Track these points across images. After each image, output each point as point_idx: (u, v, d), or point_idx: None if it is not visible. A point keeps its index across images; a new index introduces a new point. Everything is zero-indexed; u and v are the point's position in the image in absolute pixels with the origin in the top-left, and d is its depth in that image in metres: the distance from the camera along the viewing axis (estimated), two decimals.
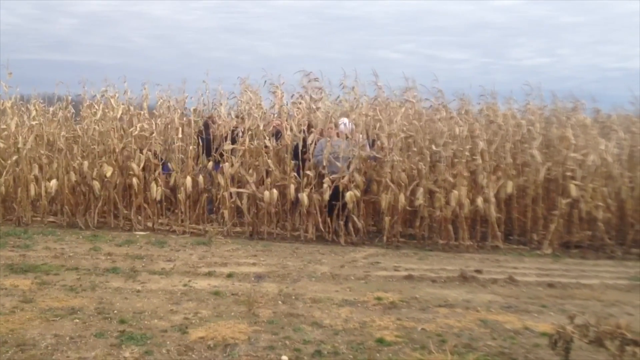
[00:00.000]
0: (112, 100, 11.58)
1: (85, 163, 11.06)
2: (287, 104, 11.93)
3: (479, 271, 8.09)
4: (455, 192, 9.89)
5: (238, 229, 10.86)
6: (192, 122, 11.79)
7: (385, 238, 10.18)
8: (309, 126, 10.85)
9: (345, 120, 10.66)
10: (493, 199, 10.12)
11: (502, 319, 6.01)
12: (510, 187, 10.31)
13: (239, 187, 10.78)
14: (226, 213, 10.64)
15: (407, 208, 10.22)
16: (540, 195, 10.65)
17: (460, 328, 5.66)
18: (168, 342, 5.07)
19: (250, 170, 10.69)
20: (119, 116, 11.41)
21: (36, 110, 12.04)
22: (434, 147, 10.37)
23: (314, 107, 11.12)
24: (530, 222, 10.68)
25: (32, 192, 11.10)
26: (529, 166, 10.75)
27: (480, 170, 10.24)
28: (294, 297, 6.61)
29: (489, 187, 10.13)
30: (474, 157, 10.29)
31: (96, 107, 11.67)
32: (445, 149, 10.21)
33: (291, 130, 10.65)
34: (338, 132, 10.43)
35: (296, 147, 10.51)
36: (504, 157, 10.55)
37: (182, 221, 10.93)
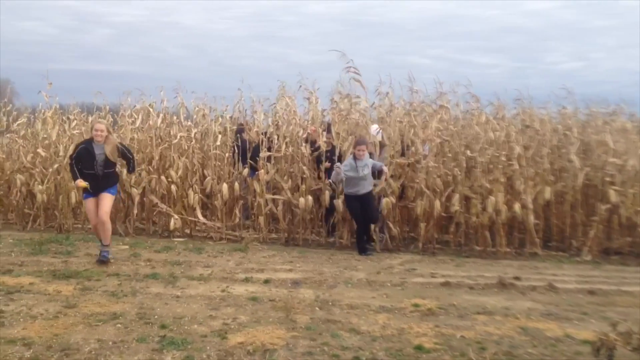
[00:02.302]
0: (151, 109, 11.78)
1: (124, 171, 11.25)
2: (320, 110, 11.95)
3: (517, 278, 8.00)
4: (492, 198, 9.81)
5: (273, 235, 10.94)
6: (228, 129, 11.92)
7: (420, 244, 10.14)
8: (329, 128, 10.85)
9: (375, 126, 10.58)
10: (531, 205, 10.01)
11: (542, 327, 5.94)
12: (548, 192, 10.19)
13: (274, 193, 10.86)
14: (262, 220, 10.72)
15: (443, 214, 10.16)
16: (579, 201, 10.51)
17: (499, 335, 5.61)
18: (208, 347, 5.13)
19: (286, 177, 10.76)
20: (158, 125, 11.61)
21: (76, 119, 12.32)
22: (469, 153, 10.31)
23: (352, 108, 11.05)
24: (569, 229, 10.54)
25: (73, 200, 11.35)
26: (567, 171, 10.62)
27: (517, 176, 10.14)
28: (330, 304, 6.63)
29: (526, 193, 10.03)
30: (510, 162, 10.19)
31: (134, 115, 11.90)
32: (482, 155, 10.13)
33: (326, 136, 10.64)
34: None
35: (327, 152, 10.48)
36: (542, 163, 10.43)
37: (218, 228, 11.04)
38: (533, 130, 10.92)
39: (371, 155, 9.82)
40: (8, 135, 12.92)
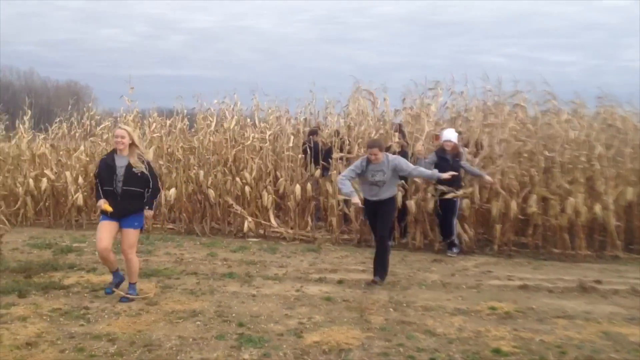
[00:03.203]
0: (227, 112, 12.07)
1: (201, 172, 11.59)
2: (392, 111, 11.91)
3: (598, 281, 7.73)
4: (572, 199, 9.52)
5: (346, 236, 10.98)
6: (301, 131, 12.06)
7: (496, 247, 9.94)
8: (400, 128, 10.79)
9: (451, 131, 10.03)
10: (612, 207, 9.66)
11: (625, 331, 5.72)
12: (630, 193, 9.81)
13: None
14: (334, 220, 10.79)
15: (519, 216, 9.93)
16: None
17: (580, 340, 5.43)
18: (284, 346, 5.20)
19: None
20: (232, 127, 11.87)
21: (156, 123, 12.77)
22: (546, 153, 10.03)
23: (424, 109, 11.00)
24: None
25: None
26: None
27: (598, 176, 9.80)
28: (404, 305, 6.60)
29: (607, 194, 9.68)
30: (590, 162, 9.85)
31: (210, 119, 12.21)
32: (561, 154, 9.83)
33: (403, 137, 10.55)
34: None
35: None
36: (623, 163, 10.03)
37: (291, 228, 11.18)
38: (615, 129, 10.52)
39: (457, 157, 9.64)
40: (91, 139, 13.49)
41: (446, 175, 8.14)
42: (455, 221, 9.90)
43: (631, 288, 7.39)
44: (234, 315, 6.11)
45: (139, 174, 6.53)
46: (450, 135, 9.75)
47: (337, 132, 11.54)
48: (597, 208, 9.59)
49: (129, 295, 6.64)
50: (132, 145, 6.60)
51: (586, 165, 9.82)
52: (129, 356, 4.89)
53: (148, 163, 6.74)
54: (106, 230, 6.56)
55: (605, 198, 9.67)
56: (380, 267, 7.62)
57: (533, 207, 9.71)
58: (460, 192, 9.66)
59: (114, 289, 6.73)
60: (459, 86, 11.07)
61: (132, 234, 6.65)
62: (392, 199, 7.85)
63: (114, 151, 6.67)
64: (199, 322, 5.86)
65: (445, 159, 9.56)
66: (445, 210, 9.75)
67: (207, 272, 8.10)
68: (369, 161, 7.65)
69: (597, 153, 9.85)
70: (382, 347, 5.20)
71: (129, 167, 6.50)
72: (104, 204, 6.46)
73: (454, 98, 11.11)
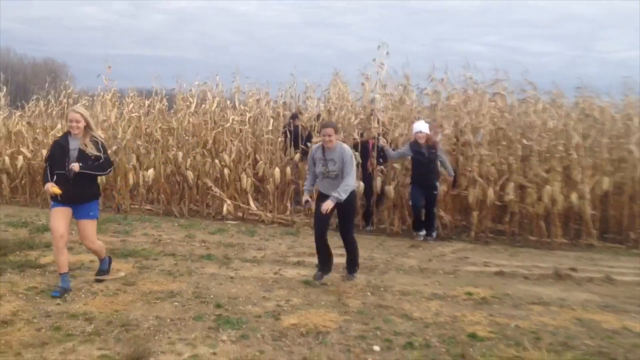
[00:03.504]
0: (209, 94, 11.98)
1: (180, 154, 11.50)
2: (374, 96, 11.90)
3: (573, 269, 7.84)
4: (549, 187, 9.63)
5: None
6: (281, 115, 12.01)
7: (473, 233, 10.04)
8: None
9: (421, 123, 9.66)
10: (588, 196, 9.79)
11: (599, 318, 5.81)
12: (606, 183, 9.95)
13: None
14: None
15: (496, 203, 10.03)
16: (637, 192, 10.22)
17: (555, 326, 5.52)
18: (262, 328, 5.21)
19: None
20: (213, 109, 11.79)
21: (134, 103, 12.62)
22: (524, 141, 10.12)
23: (406, 95, 11.02)
24: (627, 220, 10.29)
25: (131, 181, 11.65)
26: (626, 162, 10.32)
27: (575, 166, 9.91)
28: (382, 289, 6.64)
29: (584, 183, 9.80)
30: (568, 151, 9.96)
31: (190, 100, 12.11)
32: (539, 143, 9.93)
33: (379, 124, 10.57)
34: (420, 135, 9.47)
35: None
36: (600, 152, 10.16)
37: (270, 211, 11.16)
38: (592, 119, 10.64)
39: (433, 149, 9.42)
40: None
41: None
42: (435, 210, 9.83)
43: (605, 276, 7.50)
44: (211, 296, 6.10)
45: (93, 158, 6.13)
46: (421, 126, 9.49)
47: (318, 116, 11.51)
48: (574, 197, 9.71)
49: (101, 274, 6.61)
50: (87, 128, 6.16)
51: (563, 154, 9.92)
52: (106, 336, 4.86)
53: (103, 146, 6.34)
54: (60, 218, 6.09)
55: (581, 187, 9.79)
56: (351, 264, 7.09)
57: (510, 194, 9.81)
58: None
59: (59, 295, 5.97)
60: (439, 73, 11.09)
61: (89, 226, 6.27)
62: (351, 196, 6.70)
63: (68, 133, 6.22)
64: (176, 303, 5.84)
65: (421, 152, 9.41)
66: (428, 202, 9.61)
67: (185, 254, 8.07)
68: (323, 148, 6.70)
69: (575, 142, 9.96)
70: (359, 330, 5.23)
71: (82, 149, 6.10)
72: (52, 187, 5.97)
73: (435, 85, 11.12)
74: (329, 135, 6.50)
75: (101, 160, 6.20)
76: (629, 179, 10.22)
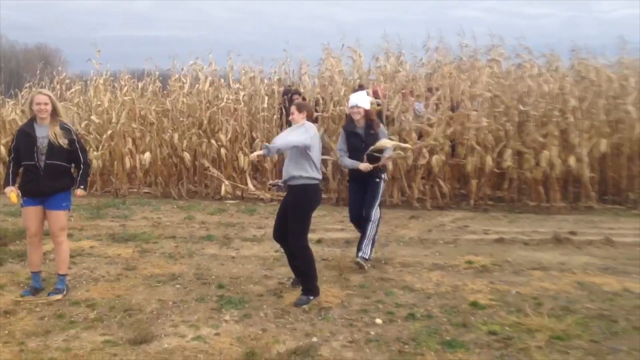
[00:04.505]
0: (200, 73, 11.89)
1: (176, 135, 11.46)
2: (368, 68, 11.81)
3: (573, 233, 7.87)
4: (546, 152, 9.61)
5: (324, 195, 10.96)
6: (275, 91, 11.93)
7: (472, 201, 10.05)
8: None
9: (359, 95, 6.70)
10: (586, 158, 9.79)
11: (599, 281, 5.85)
12: (604, 145, 9.93)
13: (323, 154, 10.83)
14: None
15: (495, 170, 10.02)
16: (636, 153, 10.23)
17: (556, 291, 5.55)
18: (265, 306, 5.23)
19: (334, 137, 10.72)
20: (206, 89, 11.71)
21: (126, 85, 12.54)
22: (521, 107, 10.07)
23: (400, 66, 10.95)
24: (626, 181, 10.31)
25: (127, 165, 11.63)
26: (623, 123, 10.29)
27: (572, 129, 9.88)
28: (383, 262, 6.66)
29: (581, 146, 9.78)
30: (564, 115, 9.91)
31: (183, 80, 12.02)
32: (535, 108, 9.88)
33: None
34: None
35: None
36: (597, 114, 10.12)
37: (268, 189, 11.15)
38: (588, 81, 10.57)
39: (372, 125, 6.47)
40: (62, 103, 13.21)
41: (364, 165, 6.24)
42: (379, 213, 6.59)
43: (605, 238, 7.53)
44: (213, 277, 6.12)
45: (64, 147, 5.46)
46: (357, 99, 6.53)
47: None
48: (571, 160, 9.70)
49: (56, 293, 5.56)
50: (54, 113, 5.48)
51: (560, 118, 9.89)
52: (109, 321, 4.87)
53: (75, 133, 5.67)
54: (31, 217, 5.56)
55: (579, 150, 9.78)
56: (304, 278, 5.47)
57: (508, 161, 9.79)
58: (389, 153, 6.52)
59: (31, 295, 5.54)
60: (434, 42, 11.01)
61: (60, 216, 5.61)
62: (302, 189, 5.47)
63: (33, 119, 5.51)
64: (178, 286, 5.85)
65: (356, 133, 6.52)
66: (367, 203, 6.51)
67: (185, 236, 8.07)
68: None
69: (571, 106, 9.91)
70: (361, 304, 5.25)
71: (52, 140, 5.41)
72: (11, 192, 5.42)
73: (430, 54, 11.04)
74: (292, 114, 5.62)
75: (82, 163, 5.64)
76: (626, 140, 10.20)
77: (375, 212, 6.42)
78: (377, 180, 6.43)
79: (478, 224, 8.68)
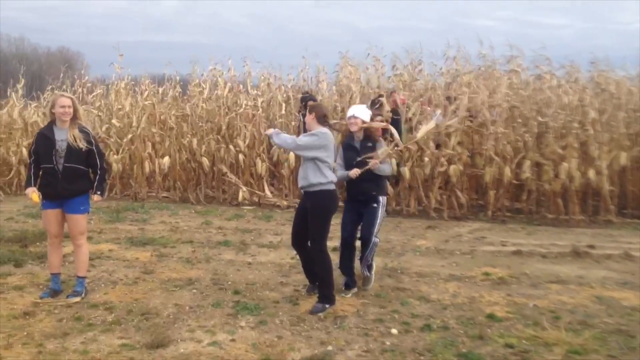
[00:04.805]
0: (220, 79, 11.98)
1: (194, 140, 11.55)
2: (387, 76, 11.82)
3: (591, 246, 7.79)
4: (565, 164, 9.54)
5: (341, 203, 10.93)
6: (293, 98, 11.98)
7: (490, 212, 9.99)
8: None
9: (359, 108, 6.31)
10: (605, 171, 9.69)
11: (618, 296, 5.79)
12: (623, 158, 9.84)
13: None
14: None
15: (513, 181, 9.96)
16: None
17: (574, 304, 5.50)
18: (280, 313, 5.24)
19: None
20: (225, 94, 11.80)
21: (147, 89, 12.66)
22: (540, 118, 10.01)
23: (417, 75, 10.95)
24: None
25: (147, 169, 11.73)
26: None
27: (592, 141, 9.80)
28: (399, 272, 6.65)
29: (601, 159, 9.69)
30: (584, 127, 9.84)
31: (203, 85, 12.12)
32: (554, 120, 9.82)
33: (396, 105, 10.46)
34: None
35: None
36: (617, 127, 10.03)
37: (285, 196, 11.19)
38: (608, 93, 10.49)
39: (369, 138, 6.01)
40: (83, 107, 13.36)
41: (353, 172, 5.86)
42: (378, 240, 6.08)
43: (624, 252, 7.45)
44: (229, 283, 6.15)
45: (83, 150, 5.51)
46: (355, 111, 6.13)
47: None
48: (591, 173, 9.62)
49: (75, 295, 5.63)
50: (74, 116, 5.54)
51: (579, 130, 9.81)
52: (126, 324, 4.92)
53: (93, 137, 5.70)
54: (51, 222, 5.65)
55: (598, 163, 9.70)
56: (320, 288, 5.49)
57: (527, 172, 9.74)
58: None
59: (50, 297, 5.61)
60: (452, 51, 11.00)
61: (79, 220, 5.66)
62: (320, 195, 5.50)
63: (53, 123, 5.57)
64: (195, 291, 5.89)
65: (352, 146, 6.08)
66: (364, 227, 6.08)
67: (203, 241, 8.12)
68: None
69: (591, 118, 9.84)
70: (377, 314, 5.25)
71: (71, 143, 5.47)
72: (33, 193, 5.43)
73: (449, 64, 11.03)
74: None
75: (98, 168, 5.67)
76: None
77: (375, 238, 5.96)
78: (375, 205, 5.97)
79: (495, 236, 8.64)
